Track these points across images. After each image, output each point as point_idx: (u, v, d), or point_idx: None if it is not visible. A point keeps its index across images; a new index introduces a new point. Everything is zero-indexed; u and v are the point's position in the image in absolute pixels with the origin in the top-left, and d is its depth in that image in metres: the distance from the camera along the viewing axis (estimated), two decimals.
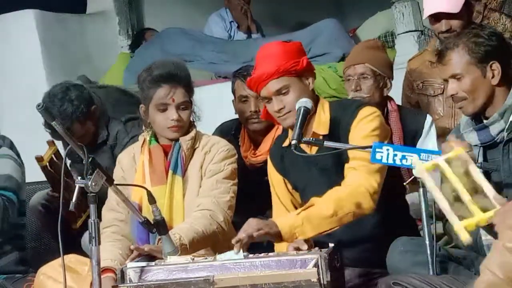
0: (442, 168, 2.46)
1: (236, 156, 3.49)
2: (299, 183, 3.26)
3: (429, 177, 2.47)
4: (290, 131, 3.19)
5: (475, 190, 2.43)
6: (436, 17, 3.93)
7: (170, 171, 3.37)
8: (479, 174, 2.42)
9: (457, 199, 2.42)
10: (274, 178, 3.33)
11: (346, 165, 3.06)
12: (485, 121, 2.95)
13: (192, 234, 3.17)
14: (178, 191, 3.36)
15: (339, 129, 3.12)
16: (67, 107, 3.96)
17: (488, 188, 2.38)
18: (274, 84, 3.12)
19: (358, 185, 2.96)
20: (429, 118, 3.95)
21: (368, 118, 3.09)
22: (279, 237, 2.91)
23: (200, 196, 3.36)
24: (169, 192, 3.35)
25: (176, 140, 3.41)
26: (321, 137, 3.09)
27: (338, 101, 3.29)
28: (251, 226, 2.89)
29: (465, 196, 2.39)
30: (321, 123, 3.13)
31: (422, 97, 4.16)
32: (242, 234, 2.84)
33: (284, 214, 3.22)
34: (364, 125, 3.07)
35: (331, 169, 3.14)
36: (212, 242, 3.25)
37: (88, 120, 4.05)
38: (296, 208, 3.23)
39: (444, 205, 2.40)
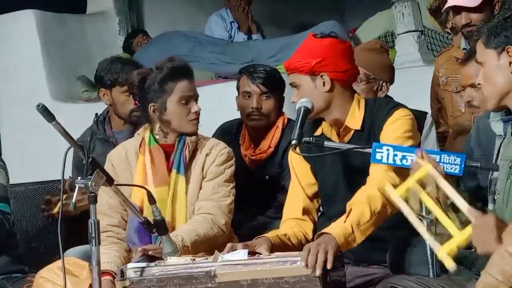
0: (414, 190, 2.44)
1: (234, 159, 3.49)
2: (319, 171, 3.25)
3: (403, 203, 2.44)
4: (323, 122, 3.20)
5: (452, 207, 2.41)
6: (456, 10, 3.88)
7: (174, 171, 3.36)
8: (450, 189, 2.40)
9: (436, 219, 2.41)
10: (298, 163, 3.28)
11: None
12: None
13: (194, 237, 3.17)
14: (181, 190, 3.36)
15: (371, 125, 3.13)
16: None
17: (461, 203, 2.36)
18: (290, 77, 3.18)
19: (381, 176, 2.94)
20: (429, 119, 3.94)
21: (402, 120, 3.10)
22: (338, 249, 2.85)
23: (201, 199, 3.36)
24: (172, 192, 3.35)
25: (179, 138, 3.41)
26: (352, 131, 3.13)
27: (375, 99, 3.29)
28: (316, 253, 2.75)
29: (441, 216, 2.37)
30: (354, 118, 3.15)
31: (446, 93, 4.13)
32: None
33: (299, 202, 3.20)
34: (398, 126, 3.08)
35: (351, 167, 3.14)
36: (213, 245, 3.25)
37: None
38: (311, 200, 3.23)
39: (422, 230, 2.38)
